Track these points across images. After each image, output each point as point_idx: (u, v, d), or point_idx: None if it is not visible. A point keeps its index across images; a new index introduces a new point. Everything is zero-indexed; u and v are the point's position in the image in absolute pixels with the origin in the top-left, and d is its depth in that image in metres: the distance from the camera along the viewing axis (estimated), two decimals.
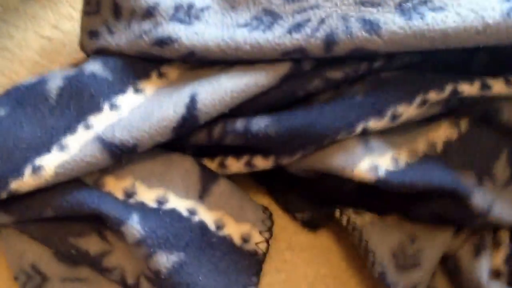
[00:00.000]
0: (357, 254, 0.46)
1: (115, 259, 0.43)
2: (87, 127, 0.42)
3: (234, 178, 0.46)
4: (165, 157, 0.45)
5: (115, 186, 0.43)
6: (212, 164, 0.45)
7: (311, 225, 0.48)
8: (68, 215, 0.42)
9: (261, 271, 0.45)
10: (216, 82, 0.42)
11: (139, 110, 0.43)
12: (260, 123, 0.42)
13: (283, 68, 0.42)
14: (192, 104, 0.42)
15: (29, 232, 0.44)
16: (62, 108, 0.43)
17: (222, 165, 0.45)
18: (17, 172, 0.40)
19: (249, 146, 0.43)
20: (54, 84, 0.44)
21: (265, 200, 0.48)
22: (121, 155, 0.41)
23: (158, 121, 0.41)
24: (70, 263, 0.45)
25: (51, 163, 0.40)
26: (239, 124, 0.42)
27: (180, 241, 0.42)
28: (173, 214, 0.43)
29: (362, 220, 0.44)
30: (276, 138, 0.41)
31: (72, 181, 0.42)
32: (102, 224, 0.43)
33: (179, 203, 0.44)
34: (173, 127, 0.41)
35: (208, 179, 0.45)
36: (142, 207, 0.43)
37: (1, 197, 0.40)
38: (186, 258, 0.42)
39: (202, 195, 0.45)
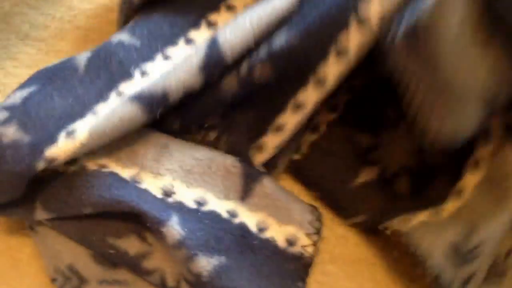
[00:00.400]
0: (404, 268, 0.44)
1: (155, 261, 0.42)
2: (119, 94, 0.41)
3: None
4: (206, 155, 0.43)
5: (153, 184, 0.41)
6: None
7: (367, 230, 0.45)
8: (106, 213, 0.41)
9: (308, 276, 0.42)
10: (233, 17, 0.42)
11: (169, 67, 0.42)
12: (280, 37, 0.40)
13: None
14: (213, 41, 0.41)
15: (66, 232, 0.43)
16: (91, 77, 0.42)
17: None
18: (51, 140, 0.39)
19: (280, 78, 0.41)
20: (83, 57, 0.43)
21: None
22: (153, 106, 0.40)
23: (183, 64, 0.40)
24: (108, 265, 0.43)
25: (85, 125, 0.39)
26: (262, 50, 0.41)
27: (221, 244, 0.41)
28: (213, 215, 0.42)
29: (409, 224, 0.42)
30: (300, 44, 0.39)
31: (110, 176, 0.40)
32: (142, 224, 0.41)
33: (219, 205, 0.42)
34: (199, 67, 0.40)
35: (250, 178, 0.43)
36: (181, 207, 0.41)
37: (39, 168, 0.38)
38: (227, 262, 0.40)
39: (244, 196, 0.43)
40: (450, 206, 0.41)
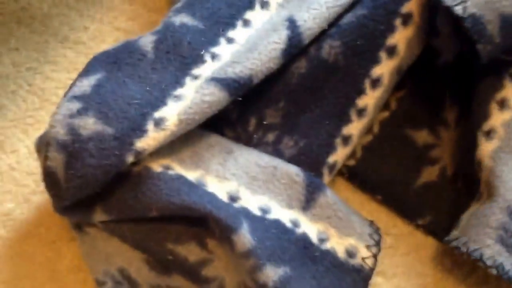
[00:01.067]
0: (455, 279, 0.43)
1: (215, 269, 0.40)
2: (195, 77, 0.40)
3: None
4: (270, 163, 0.42)
5: (219, 188, 0.40)
6: None
7: (434, 232, 0.45)
8: (167, 217, 0.39)
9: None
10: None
11: (241, 48, 0.41)
12: (348, 16, 0.42)
13: None
14: (292, 23, 0.41)
15: (122, 235, 0.41)
16: (163, 62, 0.40)
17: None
18: (140, 130, 0.37)
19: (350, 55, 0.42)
20: (147, 41, 0.41)
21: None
22: (238, 89, 0.39)
23: (266, 47, 0.40)
24: (162, 270, 0.42)
25: (172, 112, 0.38)
26: (331, 30, 0.42)
27: (286, 254, 0.39)
28: (278, 225, 0.40)
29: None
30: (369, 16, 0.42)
31: (177, 179, 0.39)
32: (204, 230, 0.40)
33: (282, 214, 0.41)
34: (281, 49, 0.40)
35: (313, 189, 0.42)
36: (247, 214, 0.40)
37: (129, 161, 0.37)
38: (292, 273, 0.39)
39: (306, 206, 0.42)
40: None
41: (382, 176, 0.46)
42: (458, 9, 0.38)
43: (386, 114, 0.46)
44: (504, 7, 0.37)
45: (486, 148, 0.41)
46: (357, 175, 0.46)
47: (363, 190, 0.46)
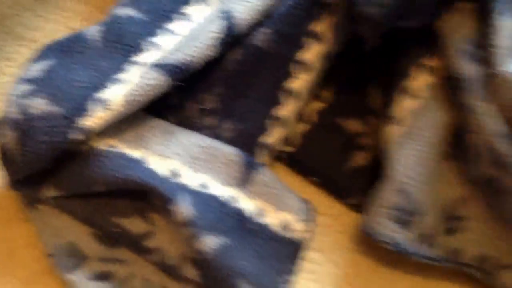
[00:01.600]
0: (386, 252, 0.45)
1: (157, 240, 0.43)
2: (134, 63, 0.43)
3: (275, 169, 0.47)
4: (210, 144, 0.45)
5: (161, 165, 0.43)
6: None
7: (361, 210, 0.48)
8: (113, 192, 0.42)
9: (300, 259, 0.45)
10: None
11: (183, 39, 0.44)
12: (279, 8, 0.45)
13: None
14: (228, 15, 0.44)
15: (70, 210, 0.44)
16: (109, 50, 0.43)
17: None
18: (86, 109, 0.40)
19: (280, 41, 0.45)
20: (95, 31, 0.44)
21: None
22: (179, 74, 0.42)
23: (204, 36, 0.43)
24: (110, 243, 0.44)
25: (117, 93, 0.41)
26: (264, 20, 0.46)
27: (223, 225, 0.42)
28: (216, 199, 0.43)
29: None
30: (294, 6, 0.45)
31: (121, 156, 0.42)
32: (147, 204, 0.43)
33: (221, 190, 0.44)
34: (219, 38, 0.43)
35: (250, 168, 0.45)
36: (187, 189, 0.42)
37: (76, 139, 0.40)
38: (231, 243, 0.42)
39: (243, 183, 0.45)
40: None
41: (318, 161, 0.49)
42: None
43: (323, 105, 0.50)
44: None
45: (391, 132, 0.44)
46: (296, 161, 0.49)
47: (302, 175, 0.49)
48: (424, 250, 0.44)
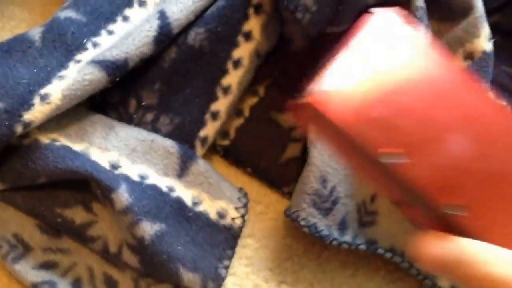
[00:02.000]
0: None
1: (99, 229, 0.45)
2: (77, 61, 0.45)
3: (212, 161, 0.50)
4: (148, 137, 0.47)
5: (101, 157, 0.45)
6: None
7: None
8: (56, 184, 0.44)
9: (236, 245, 0.47)
10: None
11: (119, 37, 0.47)
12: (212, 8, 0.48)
13: None
14: (163, 15, 0.46)
15: (15, 202, 0.45)
16: (49, 49, 0.45)
17: None
18: (27, 104, 0.42)
19: (213, 40, 0.48)
20: (35, 32, 0.46)
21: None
22: (116, 71, 0.44)
23: (139, 35, 0.45)
24: (53, 234, 0.46)
25: (57, 88, 0.43)
26: (197, 20, 0.48)
27: (161, 212, 0.45)
28: (155, 188, 0.46)
29: None
30: (226, 5, 0.48)
31: (62, 148, 0.44)
32: (88, 194, 0.45)
33: (159, 180, 0.46)
34: (153, 36, 0.45)
35: (186, 159, 0.47)
36: (126, 179, 0.45)
37: (18, 132, 0.42)
38: (167, 229, 0.44)
39: (180, 173, 0.47)
40: None
41: (253, 153, 0.52)
42: None
43: (255, 99, 0.53)
44: None
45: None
46: (231, 153, 0.52)
47: (237, 166, 0.52)
48: (343, 237, 0.47)
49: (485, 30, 0.47)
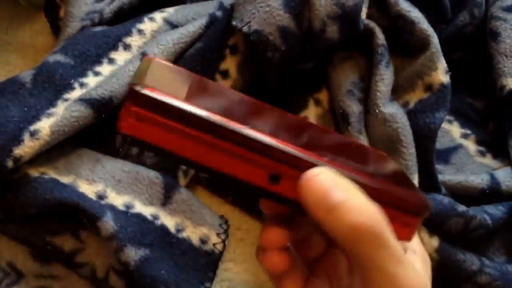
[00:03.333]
0: None
1: (87, 255, 0.47)
2: (65, 100, 0.48)
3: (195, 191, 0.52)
4: (132, 169, 0.50)
5: (89, 189, 0.47)
6: None
7: None
8: (46, 215, 0.46)
9: (217, 268, 0.49)
10: (159, 38, 0.51)
11: (105, 78, 0.50)
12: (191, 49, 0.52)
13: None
14: (144, 56, 0.49)
15: (8, 233, 0.48)
16: (39, 90, 0.48)
17: None
18: (17, 140, 0.44)
19: None
20: (26, 74, 0.49)
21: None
22: (101, 108, 0.47)
23: (123, 75, 0.48)
24: (44, 261, 0.48)
25: (45, 125, 0.45)
26: (179, 61, 0.51)
27: (146, 239, 0.47)
28: (139, 216, 0.48)
29: None
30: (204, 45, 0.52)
31: (51, 181, 0.46)
32: (76, 223, 0.47)
33: (143, 209, 0.48)
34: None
35: (170, 188, 0.50)
36: (112, 208, 0.47)
37: (9, 166, 0.44)
38: (151, 254, 0.46)
39: (165, 202, 0.49)
40: None
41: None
42: (245, 28, 0.48)
43: None
44: (278, 21, 0.48)
45: None
46: (213, 184, 0.54)
47: (218, 195, 0.54)
48: None
49: (442, 64, 0.50)
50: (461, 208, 0.48)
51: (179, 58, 0.51)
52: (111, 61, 0.51)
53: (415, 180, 0.47)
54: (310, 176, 0.32)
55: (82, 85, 0.49)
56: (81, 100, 0.47)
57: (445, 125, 0.57)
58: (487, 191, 0.50)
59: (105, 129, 0.51)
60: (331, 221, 0.31)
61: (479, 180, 0.50)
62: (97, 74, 0.50)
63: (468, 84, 0.59)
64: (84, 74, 0.50)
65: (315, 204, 0.31)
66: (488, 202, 0.50)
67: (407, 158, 0.48)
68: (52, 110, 0.47)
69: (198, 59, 0.51)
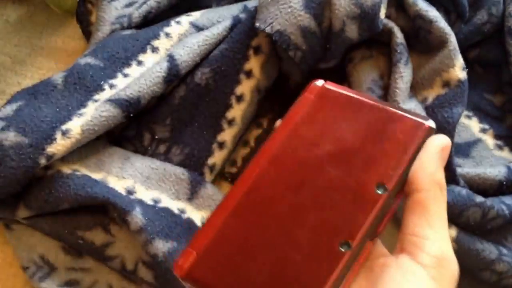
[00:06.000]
0: None
1: (117, 248, 0.48)
2: (95, 101, 0.48)
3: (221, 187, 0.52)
4: (160, 166, 0.50)
5: (118, 184, 0.48)
6: None
7: None
8: (77, 210, 0.47)
9: None
10: (185, 40, 0.51)
11: (133, 79, 0.50)
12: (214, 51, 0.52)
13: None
14: (171, 58, 0.50)
15: (41, 227, 0.48)
16: (70, 91, 0.49)
17: None
18: (50, 138, 0.45)
19: (217, 77, 0.51)
20: (58, 76, 0.50)
21: None
22: (129, 107, 0.48)
23: (150, 75, 0.49)
24: (75, 255, 0.48)
25: (76, 124, 0.46)
26: (202, 61, 0.52)
27: (173, 232, 0.47)
28: (167, 211, 0.48)
29: None
30: (229, 47, 0.51)
31: (83, 177, 0.46)
32: (106, 218, 0.48)
33: (171, 203, 0.49)
34: (163, 76, 0.49)
35: (196, 184, 0.50)
36: (141, 203, 0.47)
37: (42, 164, 0.45)
38: (178, 247, 0.46)
39: (191, 197, 0.50)
40: None
41: None
42: (268, 29, 0.48)
43: (260, 131, 0.55)
44: (300, 21, 0.47)
45: None
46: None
47: None
48: None
49: (459, 61, 0.49)
50: (479, 199, 0.47)
51: (204, 59, 0.51)
52: (140, 63, 0.51)
53: None
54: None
55: (111, 86, 0.49)
56: (110, 100, 0.47)
57: (464, 120, 0.57)
58: (504, 183, 0.49)
59: (133, 127, 0.51)
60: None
61: (496, 172, 0.50)
62: (126, 75, 0.50)
63: (487, 81, 0.59)
64: (113, 76, 0.50)
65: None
66: (505, 194, 0.49)
67: None
68: (83, 110, 0.47)
69: (222, 59, 0.51)
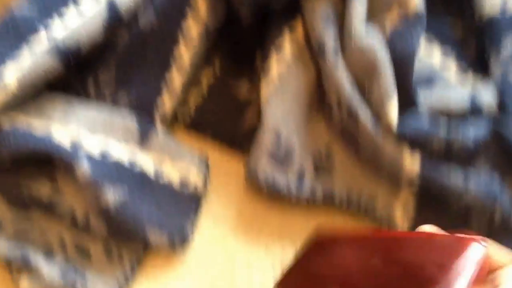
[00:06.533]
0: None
1: (66, 202, 0.45)
2: (29, 42, 0.44)
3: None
4: (106, 110, 0.47)
5: (62, 132, 0.45)
6: None
7: None
8: (23, 164, 0.44)
9: (200, 209, 0.48)
10: None
11: (72, 25, 0.45)
12: None
13: None
14: (111, 3, 0.46)
15: None
16: (2, 35, 0.45)
17: None
18: None
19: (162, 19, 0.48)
20: None
21: None
22: (68, 56, 0.44)
23: (89, 21, 0.45)
24: (22, 207, 0.46)
25: (12, 76, 0.43)
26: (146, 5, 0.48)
27: (124, 184, 0.45)
28: (118, 165, 0.46)
29: None
30: None
31: (24, 134, 0.44)
32: (53, 168, 0.45)
33: (121, 152, 0.46)
34: (103, 25, 0.46)
35: (145, 128, 0.48)
36: (89, 158, 0.44)
37: None
38: (131, 199, 0.44)
39: (141, 141, 0.47)
40: None
41: (214, 123, 0.51)
42: None
43: (212, 80, 0.52)
44: None
45: (264, 89, 0.48)
46: (196, 125, 0.51)
47: (202, 134, 0.51)
48: (302, 191, 0.47)
49: None
50: (442, 130, 0.46)
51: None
52: (76, 4, 0.47)
53: (394, 102, 0.45)
54: None
55: (46, 26, 0.45)
56: (48, 51, 0.44)
57: (425, 48, 0.54)
58: (469, 109, 0.48)
59: (75, 74, 0.49)
60: None
61: (460, 98, 0.48)
62: (61, 15, 0.46)
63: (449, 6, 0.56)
64: (49, 16, 0.46)
65: None
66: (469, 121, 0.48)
67: (384, 82, 0.45)
68: (16, 52, 0.44)
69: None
